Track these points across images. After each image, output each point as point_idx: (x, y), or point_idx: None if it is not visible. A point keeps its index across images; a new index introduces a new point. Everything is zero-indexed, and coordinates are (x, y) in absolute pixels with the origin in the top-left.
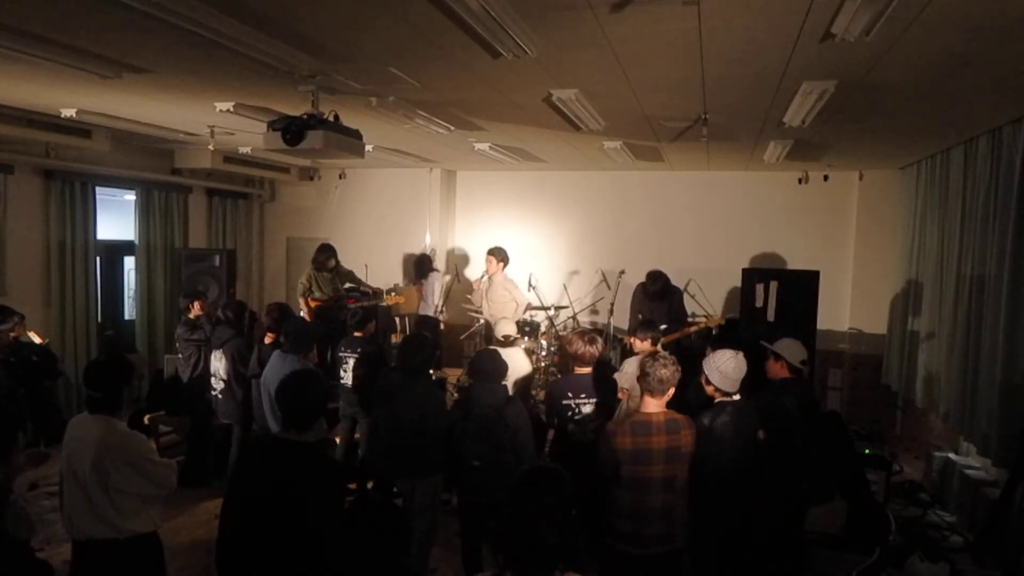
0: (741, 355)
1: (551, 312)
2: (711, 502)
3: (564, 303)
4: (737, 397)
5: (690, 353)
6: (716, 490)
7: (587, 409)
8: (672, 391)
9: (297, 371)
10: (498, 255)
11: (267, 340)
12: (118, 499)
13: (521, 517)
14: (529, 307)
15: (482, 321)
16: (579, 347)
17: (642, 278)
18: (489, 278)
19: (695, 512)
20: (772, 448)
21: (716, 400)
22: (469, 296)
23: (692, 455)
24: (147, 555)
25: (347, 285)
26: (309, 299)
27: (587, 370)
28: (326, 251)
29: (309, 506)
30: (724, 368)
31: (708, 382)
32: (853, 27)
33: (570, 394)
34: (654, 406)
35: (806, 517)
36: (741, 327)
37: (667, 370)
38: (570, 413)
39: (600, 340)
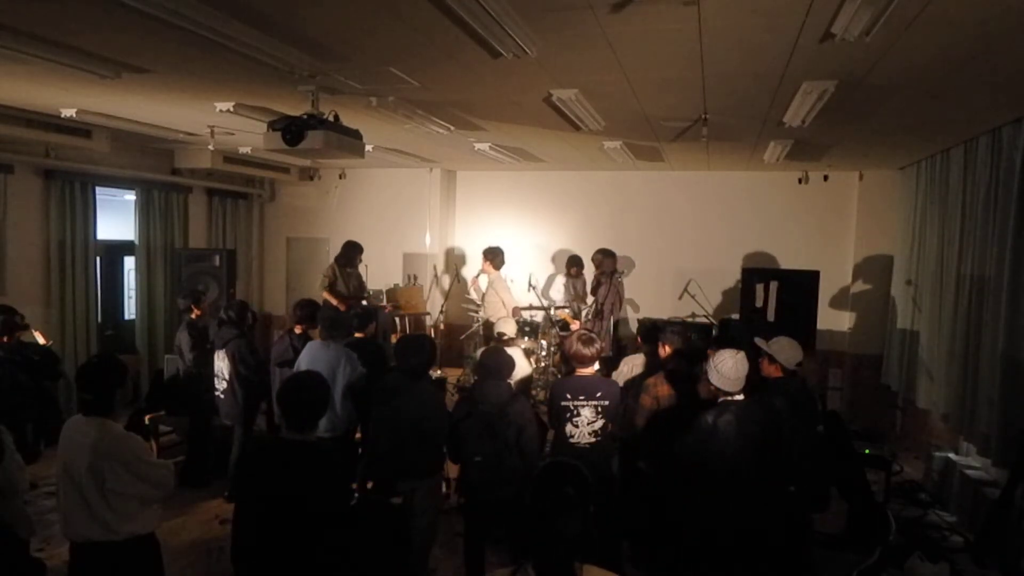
0: (741, 355)
1: (551, 312)
2: (713, 500)
3: (564, 303)
4: (740, 397)
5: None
6: (719, 488)
7: (586, 411)
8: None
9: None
10: (487, 255)
11: (297, 330)
12: (115, 501)
13: (542, 508)
14: (518, 309)
15: (480, 321)
16: (577, 348)
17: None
18: (487, 279)
19: (697, 510)
20: (761, 449)
21: (719, 400)
22: (468, 296)
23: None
24: (145, 557)
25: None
26: (333, 295)
27: (587, 371)
28: (356, 248)
29: (312, 505)
30: (722, 368)
31: (709, 382)
32: (853, 27)
33: (569, 395)
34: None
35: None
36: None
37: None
38: (568, 415)
39: (599, 341)
